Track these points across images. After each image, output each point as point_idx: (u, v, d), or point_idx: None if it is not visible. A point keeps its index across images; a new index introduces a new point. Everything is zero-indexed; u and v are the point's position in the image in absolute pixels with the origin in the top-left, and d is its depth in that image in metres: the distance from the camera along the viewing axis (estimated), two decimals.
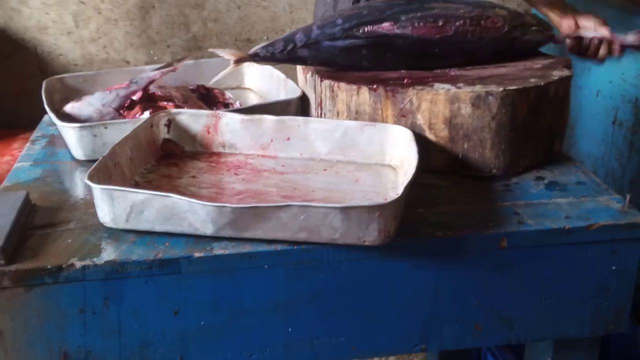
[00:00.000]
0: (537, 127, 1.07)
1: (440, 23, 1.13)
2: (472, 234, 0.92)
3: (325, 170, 1.07)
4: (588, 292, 0.96)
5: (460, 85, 1.05)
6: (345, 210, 0.84)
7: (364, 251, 0.88)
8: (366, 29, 1.13)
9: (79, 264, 0.84)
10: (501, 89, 1.02)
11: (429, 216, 0.95)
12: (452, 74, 1.13)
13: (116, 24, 2.22)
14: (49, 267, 0.84)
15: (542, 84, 1.05)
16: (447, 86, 1.05)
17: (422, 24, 1.13)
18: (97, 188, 0.88)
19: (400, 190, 0.89)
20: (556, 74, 1.10)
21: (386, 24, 1.13)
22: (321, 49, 1.14)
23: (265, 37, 2.31)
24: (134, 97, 1.22)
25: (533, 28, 1.20)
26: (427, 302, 0.93)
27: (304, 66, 1.23)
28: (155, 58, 2.26)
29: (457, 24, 1.13)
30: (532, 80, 1.06)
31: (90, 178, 0.88)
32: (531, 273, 0.95)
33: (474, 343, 0.98)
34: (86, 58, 2.25)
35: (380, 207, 0.84)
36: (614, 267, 0.95)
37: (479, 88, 1.03)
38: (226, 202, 0.95)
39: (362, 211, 0.84)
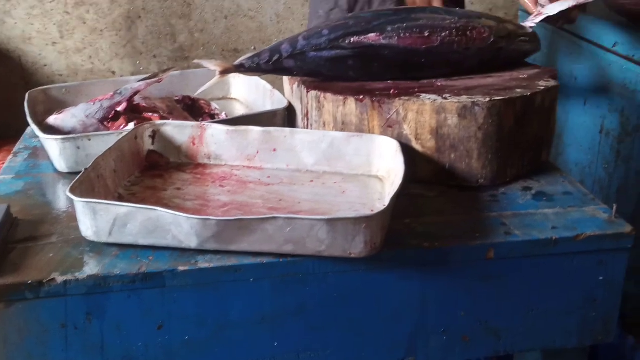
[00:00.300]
0: (524, 137, 1.07)
1: (427, 34, 1.13)
2: (458, 245, 0.91)
3: (311, 181, 1.07)
4: (575, 303, 0.96)
5: (447, 95, 1.05)
6: (331, 222, 0.83)
7: (350, 263, 0.87)
8: (352, 39, 1.13)
9: (60, 279, 0.83)
10: (487, 99, 1.02)
11: (416, 227, 0.95)
12: (439, 84, 1.13)
13: (102, 34, 2.21)
14: (29, 282, 0.82)
15: (528, 94, 1.05)
16: (433, 97, 1.05)
17: (408, 34, 1.13)
18: (79, 201, 0.86)
19: (386, 201, 0.88)
20: (542, 84, 1.10)
21: (372, 35, 1.13)
22: (307, 60, 1.14)
23: (252, 47, 2.31)
24: (119, 109, 1.21)
25: (519, 38, 1.20)
26: (414, 314, 0.93)
27: (290, 77, 1.22)
28: (142, 68, 2.26)
29: (443, 34, 1.13)
30: (518, 90, 1.06)
31: (73, 191, 0.87)
32: (518, 284, 0.94)
33: (462, 354, 0.97)
34: (71, 68, 2.24)
35: (367, 219, 0.83)
36: (601, 278, 0.94)
37: (465, 98, 1.03)
38: (211, 214, 0.95)
39: (348, 223, 0.83)
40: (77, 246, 0.89)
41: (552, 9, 1.22)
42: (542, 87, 1.08)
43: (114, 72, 2.26)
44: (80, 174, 0.92)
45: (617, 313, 0.97)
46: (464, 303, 0.94)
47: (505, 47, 1.18)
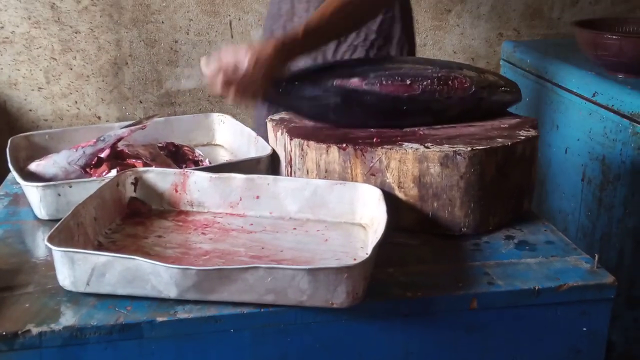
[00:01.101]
0: (505, 186, 1.08)
1: (408, 82, 1.15)
2: (442, 295, 0.91)
3: (294, 229, 1.06)
4: (559, 354, 0.95)
5: (429, 144, 1.06)
6: (313, 272, 0.82)
7: (332, 313, 0.86)
8: (335, 82, 1.14)
9: (35, 330, 0.81)
10: (469, 148, 1.03)
11: (399, 276, 0.94)
12: (421, 132, 1.13)
13: (88, 80, 2.22)
14: (4, 333, 0.80)
15: (509, 143, 1.06)
16: (415, 145, 1.05)
17: (390, 82, 1.15)
18: (57, 250, 0.85)
19: (369, 250, 0.88)
20: (523, 133, 1.11)
21: (355, 80, 1.15)
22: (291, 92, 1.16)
23: None
24: (102, 155, 1.21)
25: (501, 89, 1.22)
26: None
27: (274, 124, 1.23)
28: (128, 114, 2.26)
29: (425, 83, 1.15)
30: (500, 140, 1.07)
31: (51, 240, 0.86)
32: (502, 334, 0.93)
33: None
34: (56, 113, 2.23)
35: (348, 269, 0.83)
36: (584, 329, 0.94)
37: (447, 147, 1.04)
38: (192, 262, 0.94)
39: (329, 273, 0.82)
40: (53, 296, 0.88)
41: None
42: (523, 137, 1.09)
43: (99, 118, 2.26)
44: (60, 222, 0.91)
45: None
46: (447, 354, 0.93)
47: (486, 97, 1.19)
